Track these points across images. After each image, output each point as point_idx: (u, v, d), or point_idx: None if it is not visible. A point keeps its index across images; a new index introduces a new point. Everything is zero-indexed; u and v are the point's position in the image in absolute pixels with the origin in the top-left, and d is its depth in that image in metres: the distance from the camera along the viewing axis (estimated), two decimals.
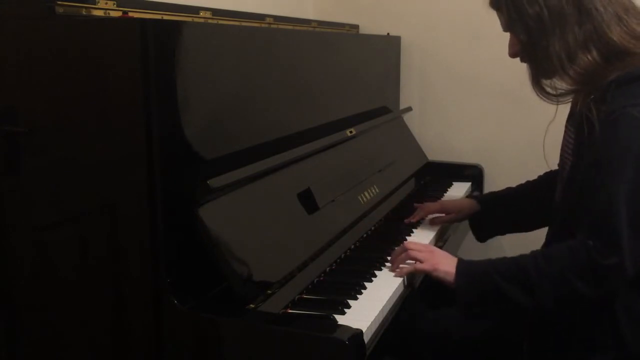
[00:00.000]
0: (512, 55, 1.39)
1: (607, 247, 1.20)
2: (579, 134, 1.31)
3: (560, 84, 1.33)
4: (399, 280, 1.44)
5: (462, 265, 1.36)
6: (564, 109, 1.42)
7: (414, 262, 1.44)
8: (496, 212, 1.80)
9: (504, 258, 1.34)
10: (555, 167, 1.55)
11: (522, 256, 1.31)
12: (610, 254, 1.20)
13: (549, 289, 1.25)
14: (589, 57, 1.27)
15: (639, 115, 1.19)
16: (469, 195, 2.01)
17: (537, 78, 1.34)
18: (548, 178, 1.71)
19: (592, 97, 1.28)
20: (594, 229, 1.23)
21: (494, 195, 1.86)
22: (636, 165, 1.20)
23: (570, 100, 1.36)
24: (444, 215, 1.86)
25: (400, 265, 1.47)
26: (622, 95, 1.23)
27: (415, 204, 1.94)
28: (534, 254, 1.30)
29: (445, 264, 1.37)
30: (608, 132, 1.22)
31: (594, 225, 1.23)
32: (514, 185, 1.85)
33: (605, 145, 1.23)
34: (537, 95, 1.36)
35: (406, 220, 1.85)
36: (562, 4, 1.27)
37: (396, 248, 1.54)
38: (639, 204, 1.20)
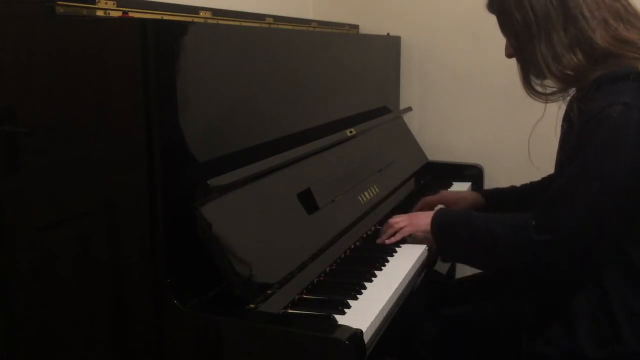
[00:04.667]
0: (508, 56, 1.44)
1: (547, 224, 1.29)
2: (565, 131, 1.39)
3: (550, 83, 1.37)
4: (399, 280, 1.44)
5: (437, 214, 1.56)
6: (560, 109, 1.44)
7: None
8: (501, 207, 1.83)
9: (473, 214, 1.51)
10: (541, 166, 1.62)
11: (485, 216, 1.46)
12: (545, 231, 1.29)
13: (494, 251, 1.40)
14: (575, 59, 1.31)
15: (615, 116, 1.22)
16: (474, 189, 2.05)
17: (527, 78, 1.40)
18: (551, 179, 1.73)
19: (576, 96, 1.33)
20: (544, 207, 1.32)
21: (499, 190, 1.90)
22: (605, 163, 1.23)
23: (560, 99, 1.40)
24: (442, 206, 1.89)
25: (389, 239, 1.64)
26: (602, 95, 1.26)
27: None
28: (493, 217, 1.44)
29: (422, 220, 1.60)
30: (585, 128, 1.26)
31: (545, 204, 1.32)
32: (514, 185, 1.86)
33: (581, 141, 1.27)
34: (528, 94, 1.41)
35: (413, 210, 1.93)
36: (548, 9, 1.32)
37: (384, 226, 1.69)
38: (599, 199, 1.25)
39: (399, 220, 1.65)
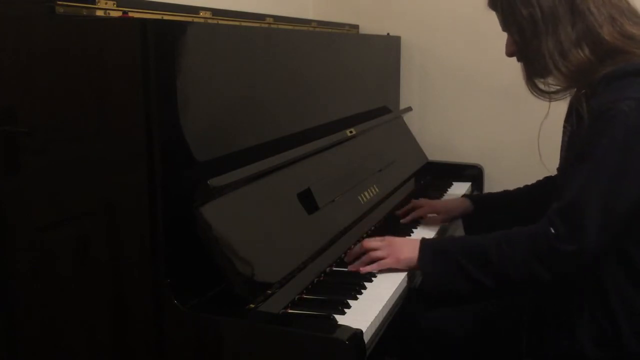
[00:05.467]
0: (509, 54, 1.42)
1: (570, 233, 1.24)
2: (572, 129, 1.35)
3: (554, 82, 1.36)
4: (399, 280, 1.44)
5: (424, 249, 1.41)
6: (564, 108, 1.43)
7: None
8: (490, 213, 1.81)
9: (467, 238, 1.43)
10: (551, 167, 1.56)
11: (484, 237, 1.36)
12: (571, 241, 1.24)
13: (511, 272, 1.30)
14: (582, 54, 1.29)
15: (627, 110, 1.21)
16: (464, 195, 2.02)
17: (531, 76, 1.38)
18: (546, 182, 1.73)
19: (584, 91, 1.31)
20: (561, 214, 1.26)
21: (489, 196, 1.88)
22: (619, 159, 1.22)
23: (563, 97, 1.39)
24: (435, 215, 1.88)
25: (364, 267, 1.47)
26: (612, 90, 1.25)
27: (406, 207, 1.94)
28: (495, 236, 1.35)
29: (406, 252, 1.44)
30: (596, 125, 1.24)
31: (562, 210, 1.26)
32: (513, 185, 1.86)
33: (592, 138, 1.25)
34: (531, 92, 1.39)
35: (402, 221, 1.87)
36: (555, 4, 1.30)
37: (354, 247, 1.55)
38: (615, 197, 1.22)
39: (377, 248, 1.48)
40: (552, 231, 1.25)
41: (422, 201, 1.92)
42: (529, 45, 1.35)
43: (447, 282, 1.37)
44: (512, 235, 1.33)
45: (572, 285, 1.34)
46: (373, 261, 1.47)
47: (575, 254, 1.24)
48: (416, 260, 1.41)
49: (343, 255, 1.57)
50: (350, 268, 1.48)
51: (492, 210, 1.82)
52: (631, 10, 1.34)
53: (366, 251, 1.49)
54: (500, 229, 1.76)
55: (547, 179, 1.74)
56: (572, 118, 1.37)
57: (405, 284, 1.47)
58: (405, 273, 1.48)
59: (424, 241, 1.44)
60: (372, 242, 1.51)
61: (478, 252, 1.34)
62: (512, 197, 1.80)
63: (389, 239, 1.52)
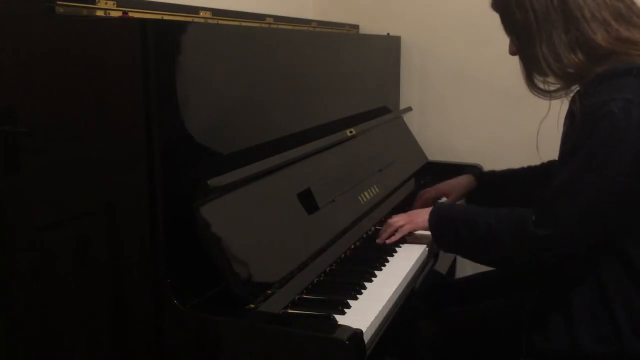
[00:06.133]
0: (512, 53, 1.45)
1: (546, 219, 1.30)
2: (567, 125, 1.39)
3: (552, 81, 1.38)
4: (400, 280, 1.44)
5: (433, 213, 1.55)
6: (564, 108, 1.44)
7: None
8: (492, 189, 1.85)
9: (472, 209, 1.52)
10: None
11: (485, 211, 1.44)
12: (545, 226, 1.29)
13: (493, 248, 1.40)
14: (575, 58, 1.31)
15: (617, 111, 1.22)
16: (468, 171, 2.06)
17: (530, 76, 1.40)
18: (549, 165, 1.76)
19: (578, 90, 1.34)
20: (544, 201, 1.32)
21: (492, 172, 1.93)
22: (605, 157, 1.24)
23: (563, 96, 1.40)
24: (445, 199, 1.94)
25: (389, 239, 1.65)
26: (603, 91, 1.26)
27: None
28: (492, 212, 1.42)
29: (420, 217, 1.60)
30: (587, 124, 1.27)
31: (545, 198, 1.32)
32: None
33: (582, 136, 1.27)
34: (530, 91, 1.41)
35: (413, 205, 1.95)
36: (548, 9, 1.32)
37: (383, 226, 1.70)
38: (598, 192, 1.25)
39: (398, 219, 1.66)
40: (533, 217, 1.31)
41: (428, 188, 2.00)
42: (525, 48, 1.37)
43: (448, 245, 1.54)
44: (503, 213, 1.39)
45: (572, 284, 1.35)
46: (394, 230, 1.64)
47: (549, 239, 1.29)
48: (427, 223, 1.55)
49: (343, 255, 1.57)
50: (378, 241, 1.66)
51: (494, 186, 1.87)
52: (633, 10, 1.33)
53: (390, 225, 1.66)
54: (500, 206, 1.78)
55: (551, 162, 1.75)
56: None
57: (406, 284, 1.47)
58: (405, 273, 1.48)
59: (435, 206, 1.60)
60: (394, 217, 1.68)
61: (474, 221, 1.42)
62: (515, 175, 1.85)
63: (410, 212, 1.70)
